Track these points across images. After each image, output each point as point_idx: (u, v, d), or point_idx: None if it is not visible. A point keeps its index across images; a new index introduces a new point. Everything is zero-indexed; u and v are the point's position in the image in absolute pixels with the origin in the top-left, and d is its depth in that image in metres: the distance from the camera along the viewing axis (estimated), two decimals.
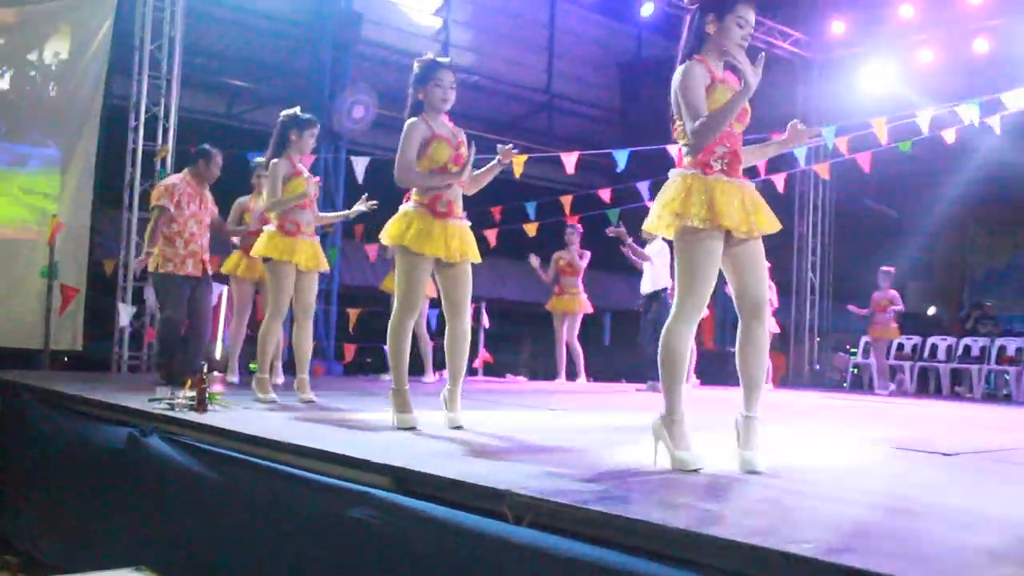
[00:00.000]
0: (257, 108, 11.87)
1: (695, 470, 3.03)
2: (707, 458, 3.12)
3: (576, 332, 9.34)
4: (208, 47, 10.99)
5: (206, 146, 6.70)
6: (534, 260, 9.30)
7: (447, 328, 4.30)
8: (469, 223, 4.35)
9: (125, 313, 8.33)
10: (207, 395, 4.38)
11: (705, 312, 9.58)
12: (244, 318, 7.05)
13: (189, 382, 4.54)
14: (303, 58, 11.40)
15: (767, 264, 3.34)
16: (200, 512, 3.44)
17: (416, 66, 4.29)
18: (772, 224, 3.26)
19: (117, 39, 8.47)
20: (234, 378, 6.87)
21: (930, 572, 1.78)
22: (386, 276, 8.50)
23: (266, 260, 5.35)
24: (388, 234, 4.22)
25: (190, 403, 4.36)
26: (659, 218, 3.22)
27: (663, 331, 3.19)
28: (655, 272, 8.71)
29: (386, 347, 8.50)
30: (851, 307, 11.14)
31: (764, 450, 3.16)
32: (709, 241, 3.12)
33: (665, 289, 8.69)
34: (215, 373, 7.48)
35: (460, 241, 4.21)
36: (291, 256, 5.27)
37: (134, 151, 8.50)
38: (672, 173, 3.28)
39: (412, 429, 4.05)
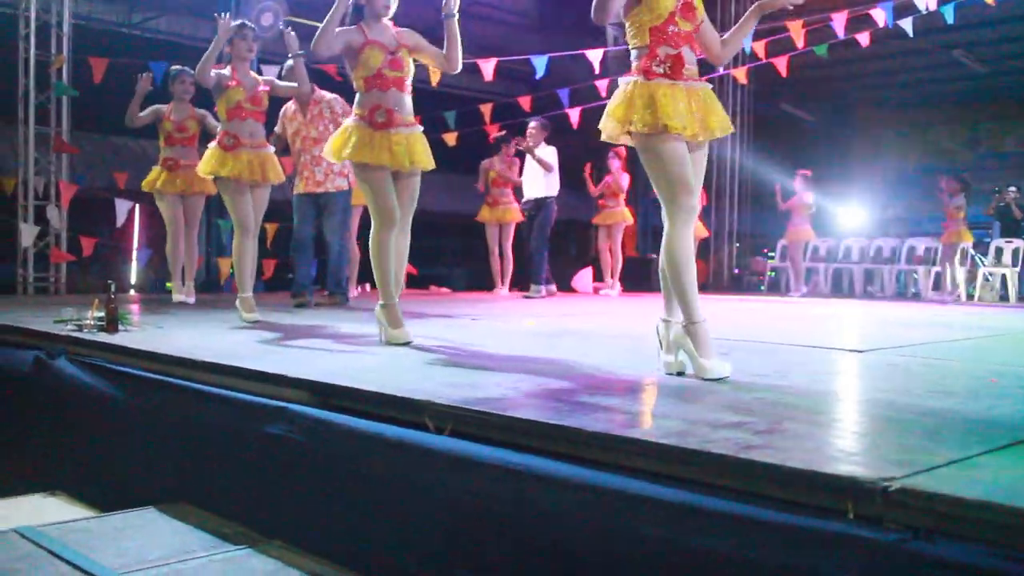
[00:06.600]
0: (160, 15, 11.26)
1: (721, 379, 2.97)
2: (729, 366, 3.04)
3: (509, 242, 9.29)
4: None
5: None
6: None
7: None
8: (421, 128, 4.21)
9: (28, 234, 7.99)
10: (117, 315, 4.24)
11: (630, 220, 9.65)
12: (179, 234, 6.74)
13: (96, 301, 4.38)
14: None
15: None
16: (113, 434, 3.35)
17: None
18: (724, 127, 3.19)
19: None
20: (190, 298, 6.67)
21: (845, 464, 1.81)
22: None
23: (216, 179, 5.26)
24: (332, 150, 4.15)
25: (99, 324, 4.22)
26: (605, 127, 3.20)
27: (664, 241, 3.09)
28: (546, 177, 8.70)
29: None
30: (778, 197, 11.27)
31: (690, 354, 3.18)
32: (668, 143, 3.05)
33: (553, 197, 8.73)
34: (131, 292, 7.25)
35: (407, 149, 4.09)
36: (230, 170, 5.12)
37: (26, 61, 8.02)
38: (620, 80, 3.22)
39: (407, 344, 3.98)
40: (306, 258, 6.81)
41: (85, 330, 4.17)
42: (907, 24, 9.44)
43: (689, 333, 3.07)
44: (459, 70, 4.24)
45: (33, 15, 7.98)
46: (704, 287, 12.22)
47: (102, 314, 4.23)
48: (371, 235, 4.13)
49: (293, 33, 5.10)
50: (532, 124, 8.95)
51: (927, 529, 1.57)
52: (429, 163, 4.21)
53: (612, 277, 9.88)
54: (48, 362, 3.73)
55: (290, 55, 5.19)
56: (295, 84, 5.51)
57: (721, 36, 3.38)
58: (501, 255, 9.31)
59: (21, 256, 8.05)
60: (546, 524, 2.01)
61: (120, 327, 4.23)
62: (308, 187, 6.67)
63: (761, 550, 1.69)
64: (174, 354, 3.46)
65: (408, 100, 4.20)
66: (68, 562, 2.32)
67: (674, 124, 3.01)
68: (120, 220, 8.20)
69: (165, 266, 8.97)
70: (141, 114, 6.61)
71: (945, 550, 1.53)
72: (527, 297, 8.60)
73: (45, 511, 3.13)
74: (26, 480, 3.58)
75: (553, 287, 8.93)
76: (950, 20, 9.46)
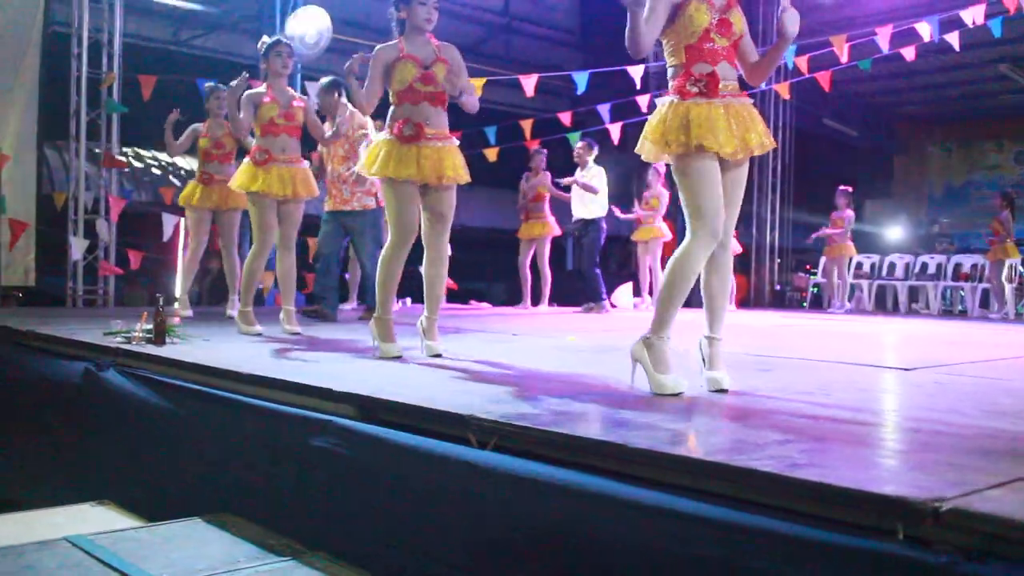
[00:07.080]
0: (207, 33, 11.47)
1: (675, 394, 2.99)
2: (686, 382, 3.07)
3: (546, 257, 9.29)
4: None
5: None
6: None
7: (425, 254, 4.21)
8: (455, 143, 4.20)
9: (77, 247, 8.15)
10: (165, 328, 4.31)
11: (668, 236, 9.60)
12: (199, 249, 6.87)
13: (145, 314, 4.46)
14: None
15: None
16: (160, 445, 3.40)
17: None
18: (763, 143, 3.15)
19: None
20: (188, 312, 6.75)
21: (892, 484, 1.79)
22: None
23: (247, 193, 5.32)
24: (364, 164, 4.19)
25: (147, 336, 4.29)
26: (642, 149, 3.21)
27: (676, 252, 3.09)
28: (593, 198, 8.73)
29: (347, 276, 8.36)
30: (818, 233, 11.20)
31: (728, 370, 3.17)
32: (700, 161, 3.04)
33: (602, 217, 8.77)
34: (174, 306, 7.32)
35: (435, 162, 4.06)
36: (260, 186, 5.16)
37: (78, 79, 8.20)
38: (657, 100, 3.23)
39: (398, 358, 4.02)
40: (325, 271, 6.87)
41: (134, 342, 4.24)
42: (953, 38, 9.33)
43: (647, 346, 3.09)
44: (475, 112, 4.28)
45: (86, 34, 8.16)
46: (745, 303, 12.24)
47: (150, 326, 4.30)
48: (384, 248, 4.16)
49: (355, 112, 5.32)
50: (579, 144, 9.00)
51: (979, 551, 1.54)
52: (462, 176, 4.16)
53: (651, 293, 9.84)
54: (98, 373, 3.80)
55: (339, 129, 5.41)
56: (321, 128, 5.67)
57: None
58: (538, 271, 9.30)
59: (71, 269, 8.21)
60: (590, 541, 2.01)
61: (167, 339, 4.30)
62: (336, 205, 6.72)
63: (809, 570, 1.67)
64: (220, 366, 3.50)
65: (442, 114, 4.17)
66: (118, 571, 2.35)
67: (709, 144, 3.00)
68: (167, 234, 8.34)
69: (208, 280, 9.08)
70: (178, 141, 6.74)
71: (997, 572, 1.50)
72: (593, 312, 8.66)
73: (93, 520, 3.17)
74: (75, 488, 3.65)
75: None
76: (997, 34, 9.33)
